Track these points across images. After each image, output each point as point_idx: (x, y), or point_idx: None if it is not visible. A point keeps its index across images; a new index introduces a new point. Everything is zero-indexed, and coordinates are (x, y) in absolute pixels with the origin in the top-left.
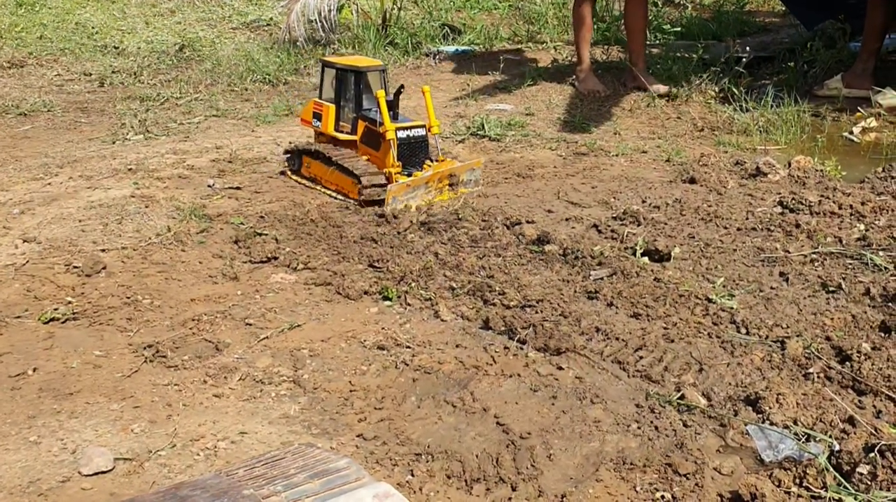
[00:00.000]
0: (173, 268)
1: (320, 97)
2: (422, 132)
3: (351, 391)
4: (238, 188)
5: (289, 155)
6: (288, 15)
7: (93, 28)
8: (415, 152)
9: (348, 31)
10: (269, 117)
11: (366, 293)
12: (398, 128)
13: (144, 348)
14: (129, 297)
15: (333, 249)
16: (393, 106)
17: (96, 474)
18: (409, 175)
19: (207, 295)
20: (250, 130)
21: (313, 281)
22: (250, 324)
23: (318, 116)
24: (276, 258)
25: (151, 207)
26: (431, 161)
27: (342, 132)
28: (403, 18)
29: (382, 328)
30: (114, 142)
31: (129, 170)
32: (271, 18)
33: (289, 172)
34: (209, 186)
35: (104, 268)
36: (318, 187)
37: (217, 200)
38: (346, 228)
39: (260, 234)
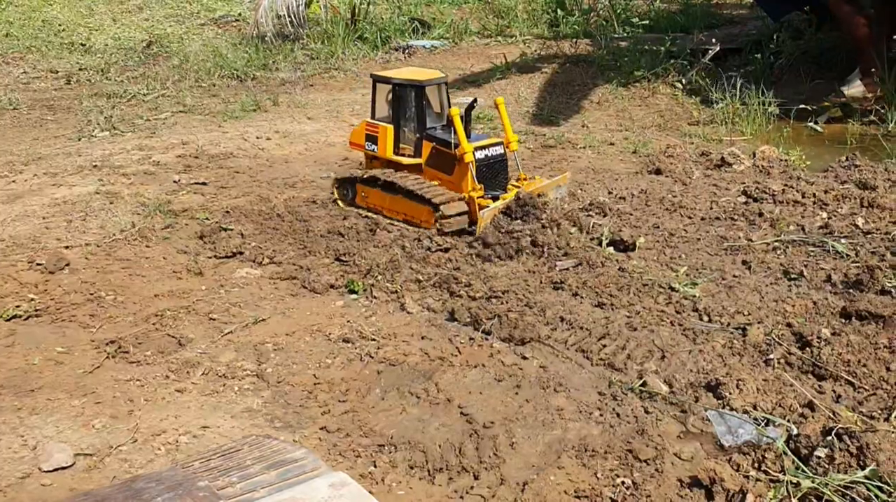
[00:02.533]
0: (137, 264)
1: (373, 117)
2: (500, 150)
3: (315, 384)
4: (204, 183)
5: (340, 184)
6: (256, 10)
7: (60, 25)
8: (495, 173)
9: (317, 26)
10: (237, 112)
11: (332, 287)
12: (476, 149)
13: (107, 344)
14: (92, 294)
15: (300, 243)
16: (466, 122)
17: (56, 470)
18: (495, 198)
19: (171, 290)
20: (217, 126)
21: (279, 275)
22: (214, 319)
23: (372, 139)
24: (241, 253)
25: (116, 203)
26: (511, 180)
27: (403, 155)
28: (372, 13)
29: (348, 321)
30: (79, 140)
31: (95, 166)
32: (240, 14)
33: (341, 203)
34: (175, 182)
35: (67, 264)
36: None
37: (183, 196)
38: (312, 223)
39: (225, 229)
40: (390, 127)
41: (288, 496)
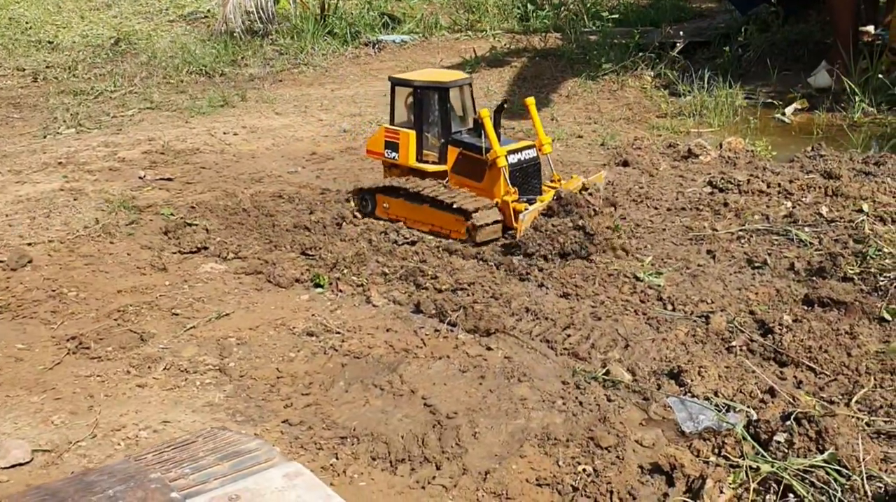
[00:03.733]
0: (101, 260)
1: (392, 122)
2: (533, 154)
3: (278, 378)
4: (169, 179)
5: (358, 196)
6: (224, 6)
7: (27, 23)
8: (528, 178)
9: (287, 21)
10: (204, 108)
11: (297, 281)
12: (508, 153)
13: (68, 340)
14: (54, 290)
15: (265, 238)
16: (496, 125)
17: (14, 466)
18: (531, 203)
19: (134, 286)
20: (184, 122)
21: (243, 270)
22: (177, 314)
23: (392, 146)
24: (206, 248)
25: (80, 200)
26: (547, 182)
27: (427, 162)
28: (342, 8)
29: (313, 315)
30: (45, 137)
31: (59, 163)
32: (209, 10)
33: (359, 215)
34: (140, 178)
35: (30, 261)
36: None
37: (148, 192)
38: (278, 217)
39: (190, 225)
40: (412, 132)
41: (241, 486)
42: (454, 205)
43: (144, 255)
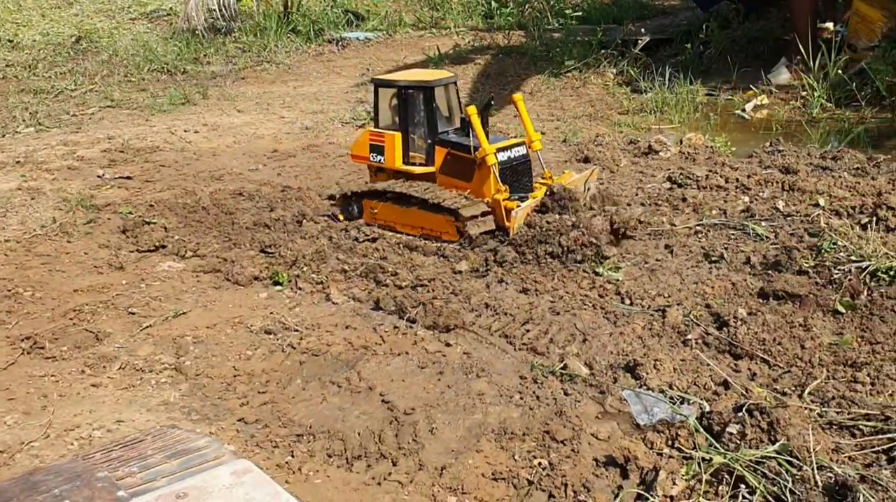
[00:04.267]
0: (57, 259)
1: (377, 126)
2: (523, 151)
3: (234, 376)
4: (129, 177)
5: (342, 201)
6: (186, 3)
7: None
8: (519, 176)
9: (250, 19)
10: (165, 106)
11: (256, 279)
12: (498, 150)
13: (22, 340)
14: (10, 290)
15: (224, 236)
16: (484, 123)
17: None
18: (522, 201)
19: (91, 285)
20: (145, 120)
21: (202, 268)
22: (133, 313)
23: (377, 149)
24: (164, 246)
25: (38, 199)
26: (538, 179)
27: (415, 164)
28: (305, 5)
29: (271, 313)
30: (3, 136)
31: (17, 162)
32: (171, 8)
33: (344, 222)
34: (99, 177)
35: None
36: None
37: (106, 190)
38: (238, 215)
39: (148, 223)
40: (398, 134)
41: (188, 484)
42: (444, 206)
43: (102, 254)
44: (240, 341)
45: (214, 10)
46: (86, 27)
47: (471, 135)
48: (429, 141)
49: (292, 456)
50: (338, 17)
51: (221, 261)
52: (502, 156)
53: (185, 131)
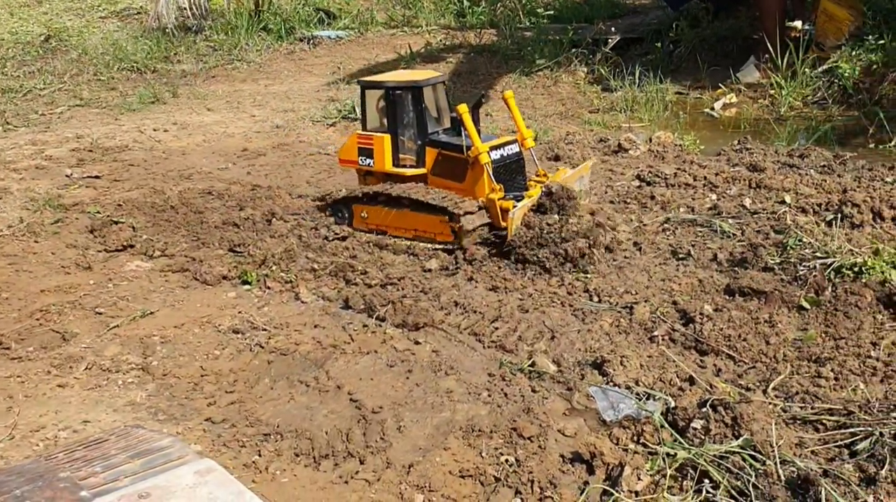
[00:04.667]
0: (24, 259)
1: (364, 128)
2: (516, 149)
3: (202, 376)
4: (97, 177)
5: (332, 207)
6: (157, 2)
7: None
8: (512, 174)
9: (221, 17)
10: (135, 105)
11: (224, 278)
12: (490, 149)
13: None
14: None
15: (193, 235)
16: (475, 122)
17: None
18: (517, 200)
19: (58, 285)
20: (114, 119)
21: (170, 267)
22: (101, 313)
23: (366, 153)
24: (132, 246)
25: (5, 199)
26: (531, 178)
27: (405, 166)
28: (276, 3)
29: (239, 312)
30: None
31: None
32: (141, 6)
33: (335, 229)
34: (67, 176)
35: None
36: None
37: (74, 190)
38: (207, 214)
39: (116, 223)
40: (387, 136)
41: (151, 484)
42: (437, 206)
43: (69, 254)
44: (207, 341)
45: (185, 8)
46: (55, 26)
47: (463, 134)
48: (419, 142)
49: (259, 456)
50: (309, 16)
51: (190, 261)
52: (495, 155)
53: (155, 130)
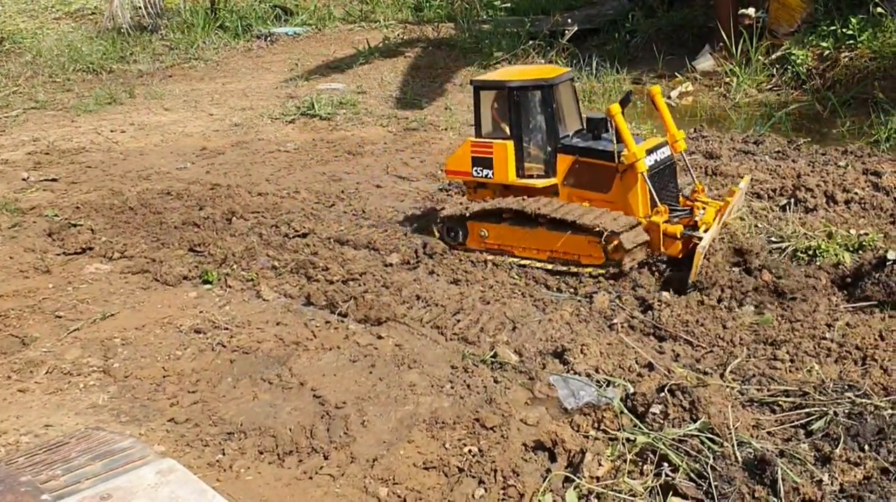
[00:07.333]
0: None
1: (479, 135)
2: (668, 153)
3: (164, 376)
4: (54, 180)
5: (442, 225)
6: (111, 2)
7: None
8: (664, 184)
9: (177, 16)
10: (91, 106)
11: (185, 278)
12: (647, 152)
13: None
14: None
15: (153, 236)
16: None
17: None
18: (671, 212)
19: (17, 290)
20: (70, 121)
21: (130, 269)
22: (60, 317)
23: (482, 162)
24: (91, 248)
25: None
26: (686, 190)
27: (532, 177)
28: (233, 1)
29: (201, 312)
30: None
31: None
32: (96, 6)
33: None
34: (24, 180)
35: None
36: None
37: (31, 193)
38: (166, 214)
39: (75, 225)
40: (509, 143)
41: (112, 485)
42: (589, 225)
43: (27, 258)
44: (169, 341)
45: (140, 7)
46: (8, 28)
47: (613, 139)
48: (549, 148)
49: (223, 455)
50: (266, 13)
51: (150, 262)
52: (649, 161)
53: (112, 131)
